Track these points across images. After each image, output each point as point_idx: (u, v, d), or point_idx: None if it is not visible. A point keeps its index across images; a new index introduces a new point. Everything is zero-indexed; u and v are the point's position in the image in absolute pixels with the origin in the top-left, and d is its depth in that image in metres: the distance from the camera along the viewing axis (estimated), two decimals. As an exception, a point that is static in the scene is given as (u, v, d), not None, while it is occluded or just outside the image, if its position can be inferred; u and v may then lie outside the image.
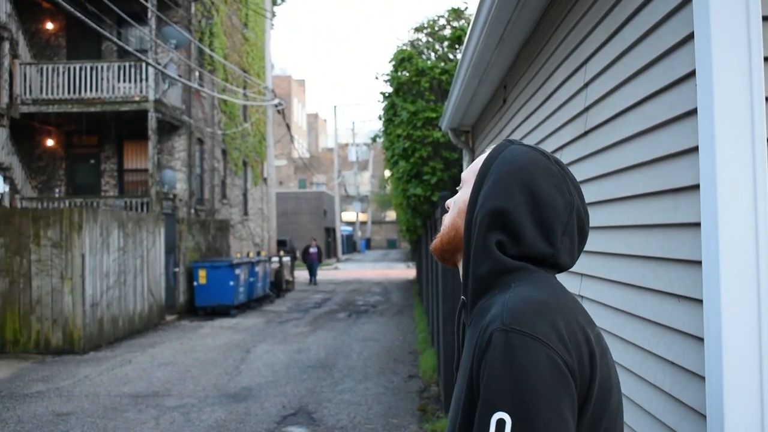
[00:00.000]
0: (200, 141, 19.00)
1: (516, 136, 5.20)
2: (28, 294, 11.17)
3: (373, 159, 61.61)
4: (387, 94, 13.83)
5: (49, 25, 17.42)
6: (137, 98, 15.56)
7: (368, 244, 65.90)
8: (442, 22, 13.71)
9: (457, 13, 13.42)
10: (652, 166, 2.35)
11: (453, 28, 13.46)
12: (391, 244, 67.76)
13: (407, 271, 33.53)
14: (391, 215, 60.84)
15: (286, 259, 22.47)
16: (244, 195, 24.06)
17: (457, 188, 1.47)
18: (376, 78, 14.53)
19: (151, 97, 15.38)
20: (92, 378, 9.19)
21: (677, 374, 2.16)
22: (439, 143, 12.25)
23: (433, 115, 12.18)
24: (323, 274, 30.59)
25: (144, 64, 15.23)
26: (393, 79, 13.18)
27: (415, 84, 12.73)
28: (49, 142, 17.48)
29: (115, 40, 12.70)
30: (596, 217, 2.92)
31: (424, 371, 9.27)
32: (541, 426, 1.08)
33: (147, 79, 15.48)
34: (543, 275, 1.28)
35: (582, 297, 3.31)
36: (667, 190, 2.22)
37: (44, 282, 11.18)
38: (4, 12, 14.67)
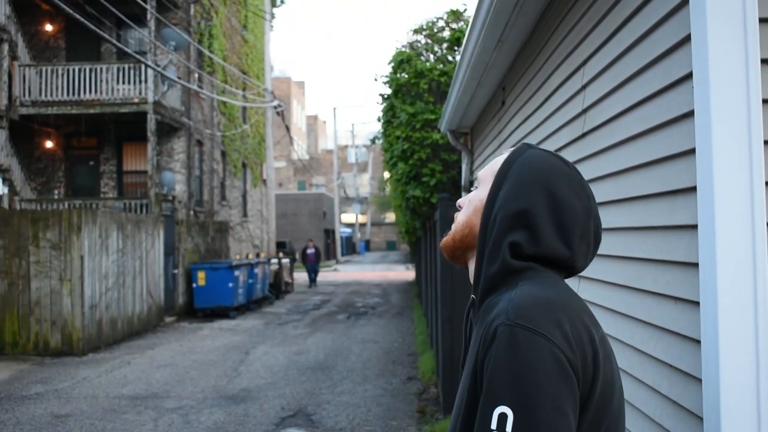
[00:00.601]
0: (199, 143, 19.00)
1: (515, 138, 5.20)
2: (27, 296, 11.17)
3: (373, 161, 61.66)
4: (386, 96, 13.82)
5: (49, 27, 17.41)
6: (136, 100, 15.55)
7: (367, 245, 65.93)
8: (441, 23, 13.69)
9: (456, 15, 13.40)
10: (650, 168, 2.35)
11: (452, 29, 13.43)
12: (391, 246, 67.79)
13: (406, 273, 33.52)
14: (391, 217, 60.88)
15: (286, 260, 22.47)
16: (244, 197, 24.05)
17: (472, 187, 1.47)
18: (375, 80, 14.51)
19: (151, 98, 15.38)
20: (91, 380, 9.18)
21: (675, 377, 2.16)
22: (438, 145, 12.23)
23: (432, 116, 12.16)
24: (322, 275, 30.57)
25: (143, 66, 15.23)
26: (392, 81, 13.16)
27: (414, 86, 12.71)
28: (49, 144, 17.47)
29: (114, 42, 12.70)
30: (594, 219, 2.91)
31: (423, 373, 9.26)
32: (543, 421, 1.09)
33: (146, 81, 15.48)
34: (551, 275, 1.29)
35: (580, 299, 3.30)
36: (665, 192, 2.21)
37: (43, 284, 11.17)
38: (3, 14, 14.66)
